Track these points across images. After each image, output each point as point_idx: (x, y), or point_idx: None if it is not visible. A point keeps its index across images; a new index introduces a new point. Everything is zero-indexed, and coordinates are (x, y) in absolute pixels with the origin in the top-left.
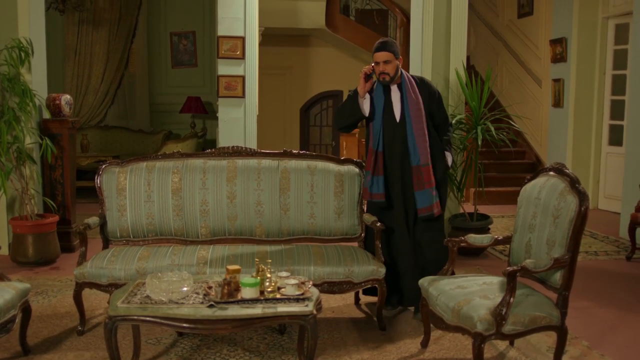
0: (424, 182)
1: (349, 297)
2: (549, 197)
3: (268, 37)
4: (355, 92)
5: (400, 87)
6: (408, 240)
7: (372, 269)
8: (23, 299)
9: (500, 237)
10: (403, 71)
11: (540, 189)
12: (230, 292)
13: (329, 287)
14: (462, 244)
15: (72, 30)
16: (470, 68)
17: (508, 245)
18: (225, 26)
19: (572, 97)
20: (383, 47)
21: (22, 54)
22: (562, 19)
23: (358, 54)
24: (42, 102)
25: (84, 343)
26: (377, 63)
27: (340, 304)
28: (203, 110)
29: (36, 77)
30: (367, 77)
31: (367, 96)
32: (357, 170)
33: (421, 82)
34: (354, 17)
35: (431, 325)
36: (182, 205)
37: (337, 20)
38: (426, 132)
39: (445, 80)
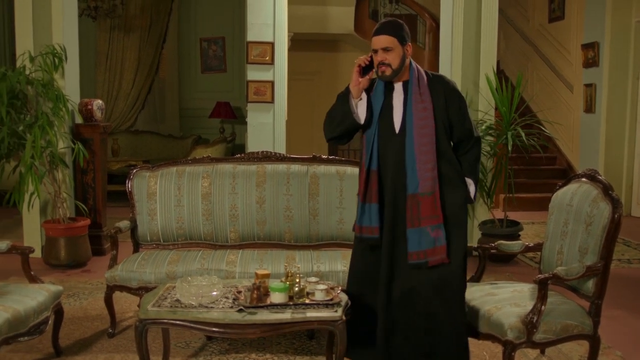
0: (420, 217)
1: None
2: (582, 203)
3: (297, 42)
4: (348, 92)
5: (406, 86)
6: (383, 296)
7: None
8: (56, 301)
9: (531, 244)
10: (415, 65)
11: (572, 196)
12: (259, 296)
13: None
14: (492, 251)
15: (104, 37)
16: (500, 73)
17: (538, 252)
18: (255, 32)
19: (604, 102)
20: (383, 29)
21: (56, 60)
22: (594, 23)
23: None
24: (75, 107)
25: (115, 345)
26: (375, 51)
27: None
28: (232, 115)
29: (69, 82)
30: (364, 71)
31: (364, 96)
32: None
33: (435, 79)
34: None
35: None
36: (212, 209)
37: (366, 26)
38: (434, 149)
39: (475, 85)
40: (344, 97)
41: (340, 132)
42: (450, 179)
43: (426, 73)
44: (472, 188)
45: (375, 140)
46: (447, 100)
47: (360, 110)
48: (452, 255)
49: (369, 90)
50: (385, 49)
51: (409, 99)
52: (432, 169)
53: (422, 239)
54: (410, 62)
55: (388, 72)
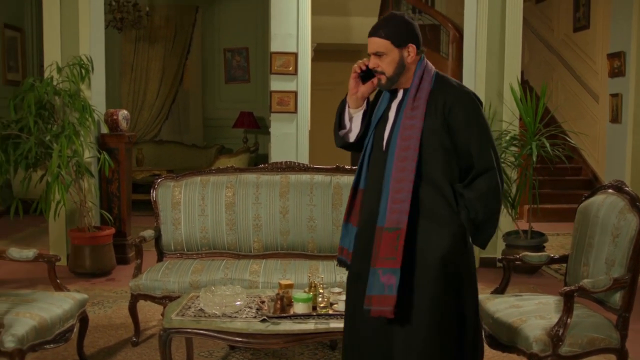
0: (378, 256)
1: None
2: (608, 215)
3: (320, 52)
4: (344, 102)
5: (405, 95)
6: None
7: None
8: (81, 309)
9: (557, 256)
10: (423, 67)
11: (598, 207)
12: (282, 307)
13: None
14: (517, 262)
15: (129, 48)
16: (524, 83)
17: (564, 264)
18: (278, 42)
19: (631, 112)
20: (374, 29)
21: (83, 71)
22: (620, 32)
23: None
24: (101, 117)
25: (138, 354)
26: (370, 56)
27: None
28: (255, 125)
29: (95, 93)
30: (364, 77)
31: (363, 107)
32: None
33: (439, 88)
34: None
35: (484, 344)
36: (235, 219)
37: None
38: (412, 177)
39: (499, 96)
40: (342, 106)
41: (342, 144)
42: (433, 213)
43: (436, 79)
44: (472, 228)
45: (366, 155)
46: (446, 113)
47: (355, 124)
48: (419, 314)
49: (377, 97)
50: (377, 54)
51: (401, 111)
52: (403, 201)
53: (374, 282)
54: (418, 64)
55: (383, 80)
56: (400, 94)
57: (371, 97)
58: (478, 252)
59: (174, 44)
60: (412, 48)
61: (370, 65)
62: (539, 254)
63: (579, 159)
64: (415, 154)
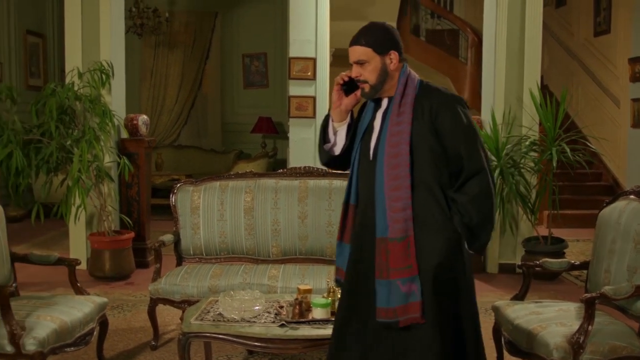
0: (388, 268)
1: None
2: (630, 221)
3: (338, 58)
4: (328, 116)
5: (390, 103)
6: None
7: None
8: (101, 312)
9: (577, 262)
10: (406, 74)
11: (620, 213)
12: (301, 312)
13: None
14: (537, 269)
15: (149, 53)
16: (544, 88)
17: (584, 271)
18: (297, 48)
19: None
20: (354, 37)
21: (103, 76)
22: None
23: (428, 75)
24: (121, 122)
25: (158, 358)
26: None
27: None
28: (274, 131)
29: (115, 98)
30: (347, 90)
31: (347, 120)
32: None
33: (424, 94)
34: (424, 37)
35: (504, 351)
36: (254, 224)
37: (408, 41)
38: (408, 183)
39: (519, 101)
40: (325, 122)
41: (327, 160)
42: (427, 219)
43: (421, 85)
44: (465, 235)
45: (354, 169)
46: (433, 118)
47: (339, 137)
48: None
49: (362, 108)
50: (358, 62)
51: (386, 119)
52: (404, 209)
53: (391, 294)
54: (402, 72)
55: (366, 89)
56: (384, 102)
57: (355, 113)
58: (497, 258)
59: (193, 50)
60: (394, 55)
61: (353, 75)
62: (560, 260)
63: (600, 164)
64: (407, 160)
